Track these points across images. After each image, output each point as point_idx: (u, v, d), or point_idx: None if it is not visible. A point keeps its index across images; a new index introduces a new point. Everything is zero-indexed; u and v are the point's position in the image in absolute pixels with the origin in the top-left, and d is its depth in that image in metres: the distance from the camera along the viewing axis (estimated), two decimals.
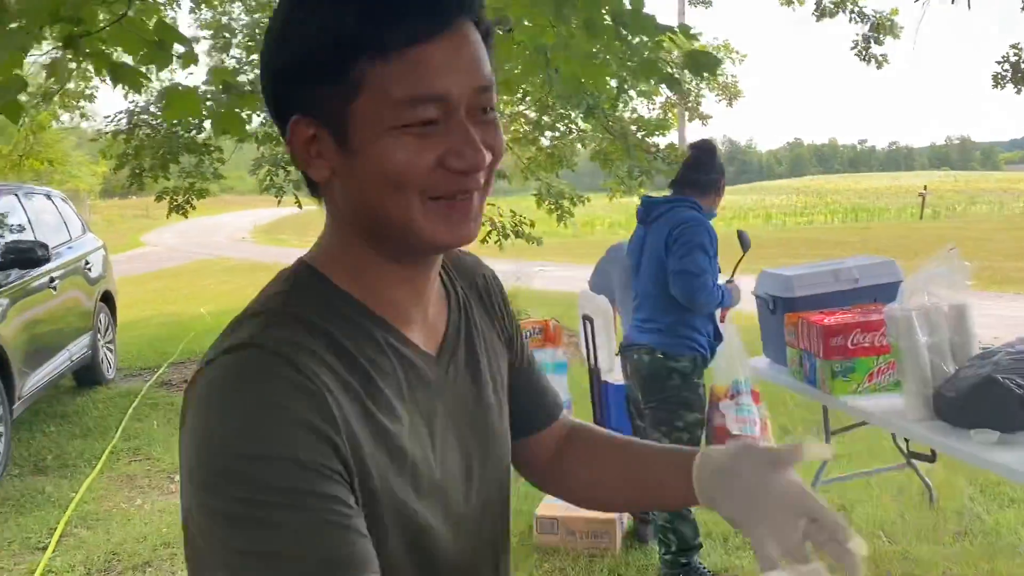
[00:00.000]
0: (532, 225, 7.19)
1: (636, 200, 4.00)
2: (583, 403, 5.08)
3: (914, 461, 3.75)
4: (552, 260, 14.68)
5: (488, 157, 0.77)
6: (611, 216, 24.32)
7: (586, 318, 5.09)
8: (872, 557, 3.37)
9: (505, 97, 8.37)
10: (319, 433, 0.71)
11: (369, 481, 0.75)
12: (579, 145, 8.85)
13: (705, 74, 3.92)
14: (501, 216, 7.18)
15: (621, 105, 9.03)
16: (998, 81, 7.32)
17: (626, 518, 3.68)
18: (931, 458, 3.61)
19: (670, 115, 11.21)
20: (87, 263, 6.78)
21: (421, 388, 0.83)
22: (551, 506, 3.68)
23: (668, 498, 1.02)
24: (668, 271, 3.11)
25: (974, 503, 3.79)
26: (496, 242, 6.95)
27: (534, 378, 1.05)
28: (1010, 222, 21.99)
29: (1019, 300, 9.71)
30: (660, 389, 3.17)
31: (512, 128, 8.90)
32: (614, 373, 4.59)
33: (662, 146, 7.48)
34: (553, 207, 8.00)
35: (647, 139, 7.60)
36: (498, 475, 0.93)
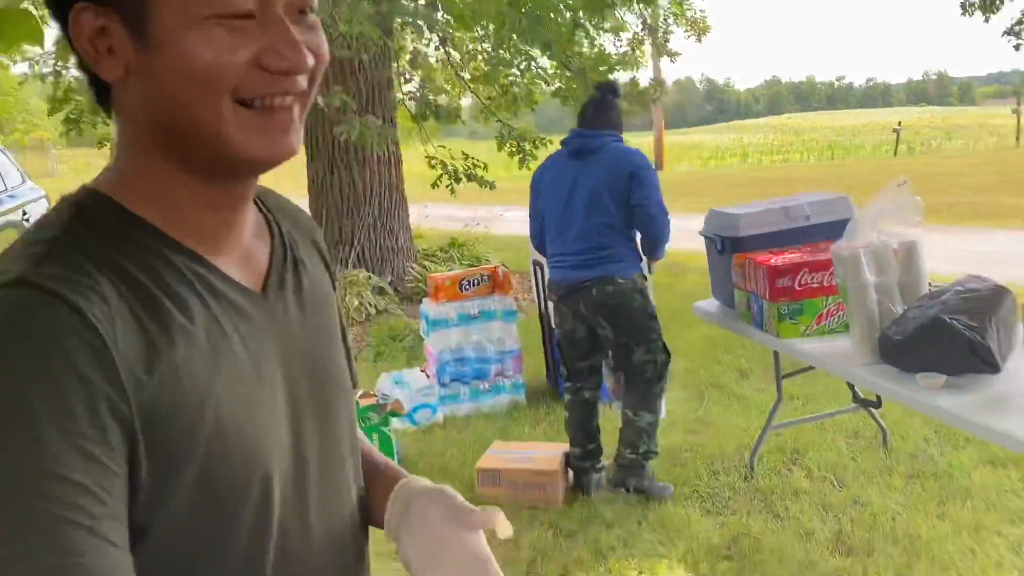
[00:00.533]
0: (485, 168, 6.95)
1: None
2: (534, 352, 4.95)
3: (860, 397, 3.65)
4: (523, 204, 14.43)
5: (311, 60, 0.68)
6: None
7: (536, 264, 4.92)
8: (822, 503, 3.28)
9: (464, 34, 8.06)
10: (96, 393, 0.60)
11: (163, 444, 0.64)
12: (543, 84, 8.56)
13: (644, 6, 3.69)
14: (453, 159, 6.93)
15: (587, 44, 8.72)
16: (966, 8, 7.08)
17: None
18: (876, 404, 3.50)
19: (638, 52, 10.86)
20: (25, 214, 6.56)
21: (244, 327, 0.72)
22: (493, 458, 3.56)
23: (370, 518, 0.90)
24: (634, 205, 3.23)
25: (928, 444, 3.70)
26: (447, 186, 6.71)
27: (346, 342, 0.93)
28: (983, 157, 21.93)
29: (989, 234, 9.65)
30: (631, 312, 3.29)
31: (471, 66, 8.58)
32: None
33: (623, 83, 7.22)
34: (515, 149, 7.75)
35: (609, 75, 7.32)
36: (341, 435, 0.83)
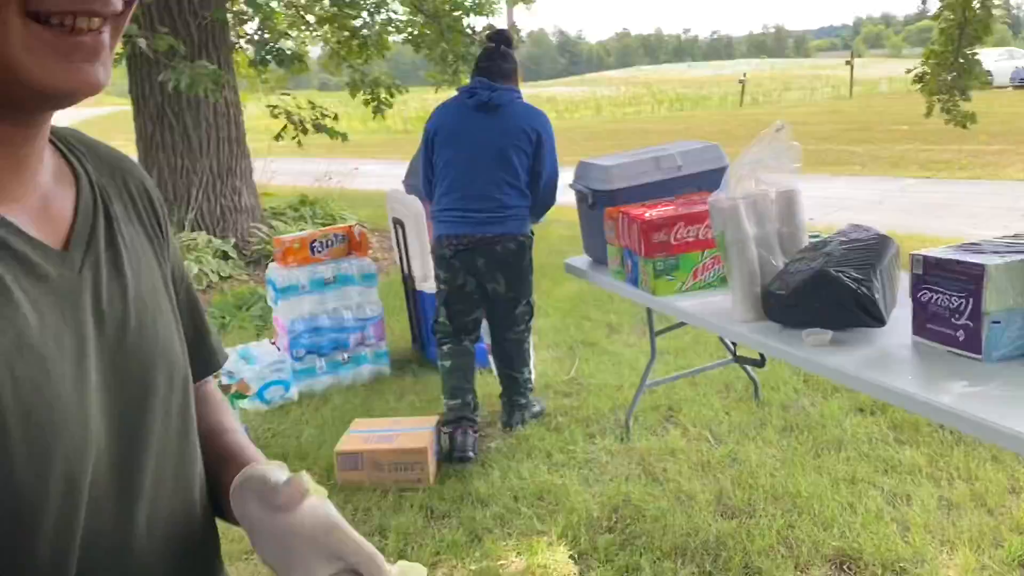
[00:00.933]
0: (335, 118, 6.45)
1: None
2: (398, 316, 4.64)
3: (740, 355, 3.57)
4: (381, 157, 13.94)
5: None
6: None
7: (396, 222, 4.58)
8: (700, 463, 3.18)
9: None
10: None
11: None
12: (395, 30, 8.09)
13: None
14: (300, 108, 6.39)
15: None
16: None
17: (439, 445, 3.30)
18: (760, 362, 3.43)
19: None
20: None
21: (38, 290, 0.60)
22: (354, 439, 3.25)
23: (227, 511, 0.75)
24: (538, 171, 3.26)
25: (799, 395, 3.69)
26: (293, 137, 6.18)
27: (195, 315, 0.82)
28: (821, 107, 23.08)
29: (832, 181, 10.08)
30: (523, 269, 3.36)
31: (316, 9, 7.99)
32: (429, 282, 4.14)
33: (479, 29, 6.88)
34: (369, 98, 7.29)
35: (462, 20, 6.98)
36: (173, 425, 0.70)
